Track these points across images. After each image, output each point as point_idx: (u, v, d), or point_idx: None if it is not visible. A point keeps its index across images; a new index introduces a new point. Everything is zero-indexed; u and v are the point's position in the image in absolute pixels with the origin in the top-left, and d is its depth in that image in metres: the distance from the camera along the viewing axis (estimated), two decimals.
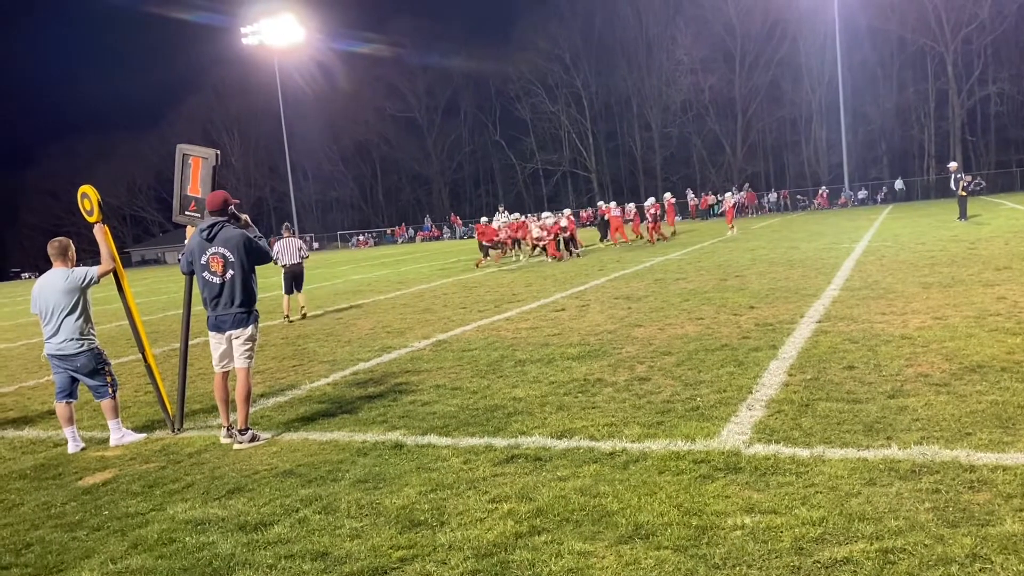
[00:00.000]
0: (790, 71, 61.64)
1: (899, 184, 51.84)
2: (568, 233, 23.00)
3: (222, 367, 5.86)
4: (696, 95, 64.05)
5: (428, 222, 69.33)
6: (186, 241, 6.21)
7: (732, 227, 29.16)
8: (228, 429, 5.77)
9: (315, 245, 73.43)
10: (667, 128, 67.31)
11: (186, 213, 6.30)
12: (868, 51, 56.70)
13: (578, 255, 22.80)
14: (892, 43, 56.91)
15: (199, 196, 6.23)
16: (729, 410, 5.33)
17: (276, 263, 12.79)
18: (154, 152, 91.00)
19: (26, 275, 76.11)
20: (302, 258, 13.56)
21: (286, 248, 13.52)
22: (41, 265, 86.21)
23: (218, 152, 6.34)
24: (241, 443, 5.62)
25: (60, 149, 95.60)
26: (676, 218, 33.78)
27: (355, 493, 4.40)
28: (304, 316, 13.53)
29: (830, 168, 58.47)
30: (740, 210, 52.28)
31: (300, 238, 15.98)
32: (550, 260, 22.04)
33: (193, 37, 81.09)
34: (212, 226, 5.75)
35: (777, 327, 8.28)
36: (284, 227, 14.95)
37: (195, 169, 6.24)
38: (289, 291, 13.46)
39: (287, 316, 13.29)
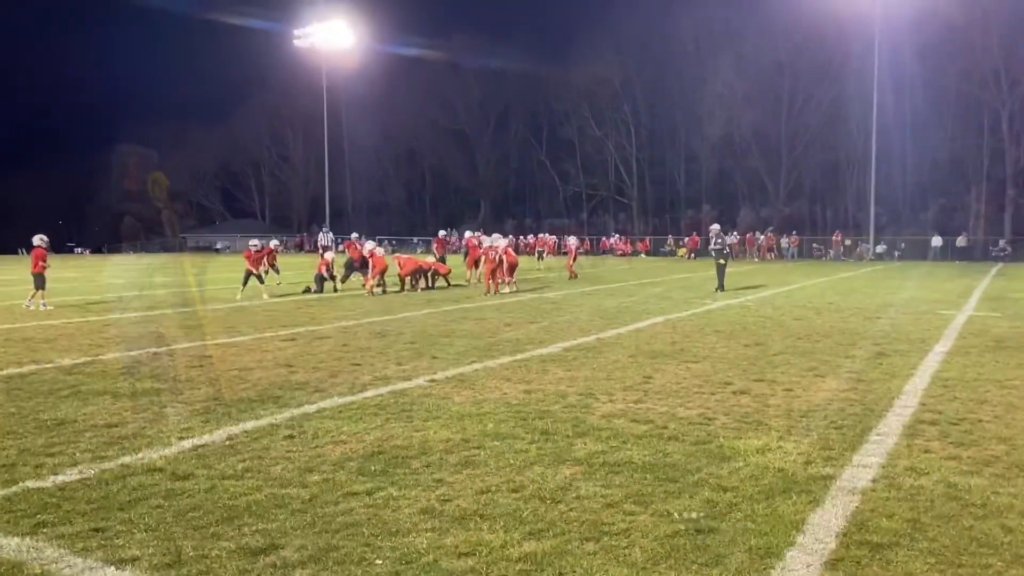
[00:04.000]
0: (840, 113, 57.96)
1: (961, 241, 46.84)
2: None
3: None
4: (739, 131, 60.80)
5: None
6: None
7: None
8: None
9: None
10: (710, 161, 64.14)
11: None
12: (921, 100, 52.81)
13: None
14: (950, 93, 52.86)
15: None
16: None
17: None
18: (220, 144, 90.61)
19: (79, 251, 75.67)
20: None
21: None
22: (109, 243, 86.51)
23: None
24: None
25: (136, 134, 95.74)
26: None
27: None
28: None
29: (876, 216, 54.42)
30: (755, 252, 49.25)
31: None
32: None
33: (263, 39, 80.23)
34: None
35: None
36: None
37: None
38: None
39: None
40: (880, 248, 48.24)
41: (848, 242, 49.98)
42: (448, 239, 23.80)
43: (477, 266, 23.26)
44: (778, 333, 12.05)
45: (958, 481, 5.01)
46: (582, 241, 56.42)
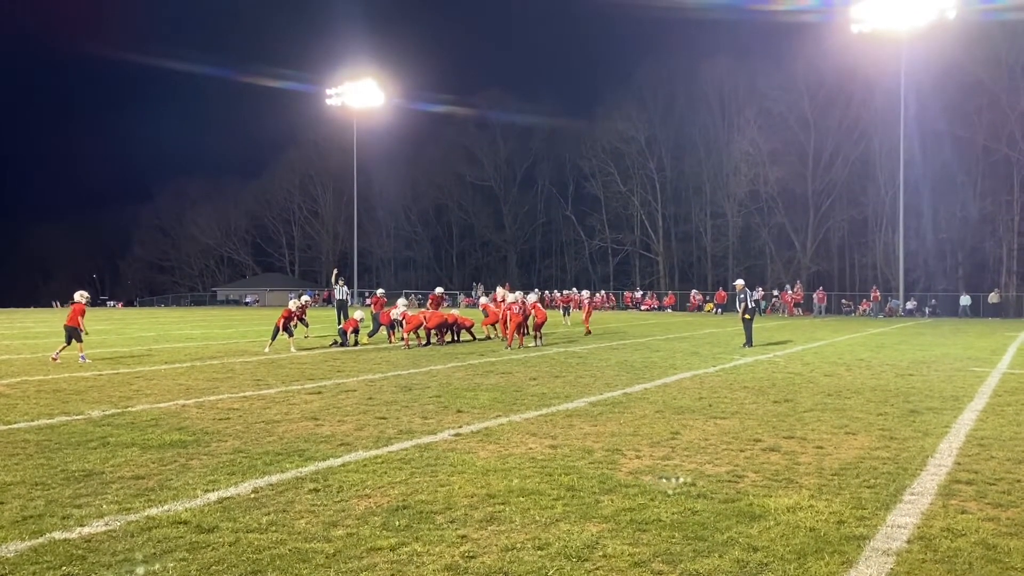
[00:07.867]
0: (867, 170, 57.91)
1: (993, 297, 45.60)
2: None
3: None
4: (766, 187, 60.93)
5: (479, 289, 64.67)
6: None
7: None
8: None
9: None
10: (736, 217, 64.20)
11: None
12: (949, 156, 52.61)
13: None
14: (977, 150, 52.65)
15: None
16: None
17: None
18: (253, 198, 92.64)
19: (112, 303, 76.56)
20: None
21: None
22: (141, 296, 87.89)
23: None
24: None
25: (173, 188, 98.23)
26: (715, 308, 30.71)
27: None
28: None
29: (906, 272, 53.92)
30: (783, 308, 48.76)
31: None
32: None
33: (297, 99, 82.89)
34: None
35: None
36: None
37: None
38: None
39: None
40: (910, 304, 47.57)
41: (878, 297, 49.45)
42: (443, 296, 23.72)
43: (496, 328, 23.07)
44: (808, 389, 11.87)
45: (997, 543, 4.86)
46: (606, 295, 56.45)
